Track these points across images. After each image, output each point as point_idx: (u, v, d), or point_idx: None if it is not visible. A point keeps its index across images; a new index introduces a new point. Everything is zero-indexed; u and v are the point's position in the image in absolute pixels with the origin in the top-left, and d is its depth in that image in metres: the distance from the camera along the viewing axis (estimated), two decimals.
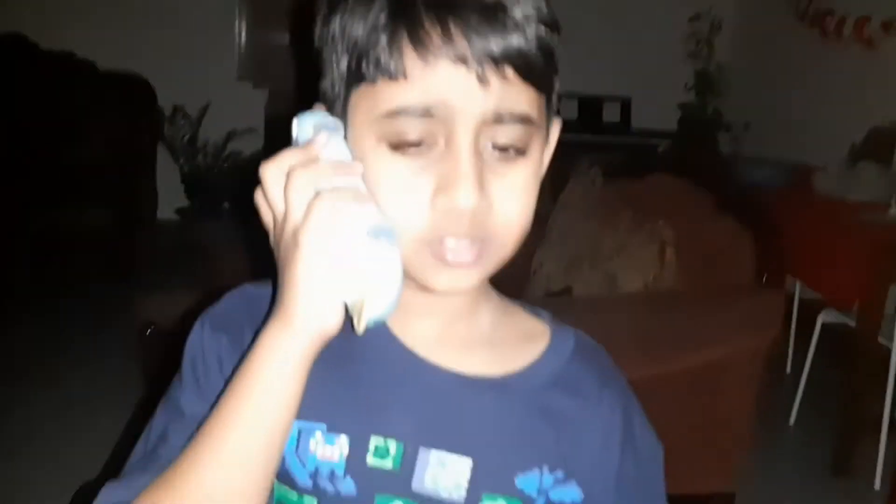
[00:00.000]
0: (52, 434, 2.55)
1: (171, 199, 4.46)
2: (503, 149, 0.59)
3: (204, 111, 4.58)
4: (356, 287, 0.56)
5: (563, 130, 0.67)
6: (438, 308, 0.67)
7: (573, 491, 0.67)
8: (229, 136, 4.60)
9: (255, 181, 0.59)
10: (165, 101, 4.34)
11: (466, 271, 0.60)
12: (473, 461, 0.64)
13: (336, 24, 0.60)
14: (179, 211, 4.57)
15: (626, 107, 4.66)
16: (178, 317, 2.46)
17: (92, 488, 0.61)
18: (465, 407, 0.66)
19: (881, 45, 3.46)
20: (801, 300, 3.17)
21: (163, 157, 4.46)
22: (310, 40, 0.65)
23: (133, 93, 4.16)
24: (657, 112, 4.60)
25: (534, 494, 0.65)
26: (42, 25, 4.09)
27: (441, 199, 0.58)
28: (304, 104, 0.65)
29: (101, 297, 3.54)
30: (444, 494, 0.64)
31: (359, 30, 0.58)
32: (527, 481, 0.65)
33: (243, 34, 4.73)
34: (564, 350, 0.70)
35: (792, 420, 2.85)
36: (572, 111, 4.50)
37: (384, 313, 0.57)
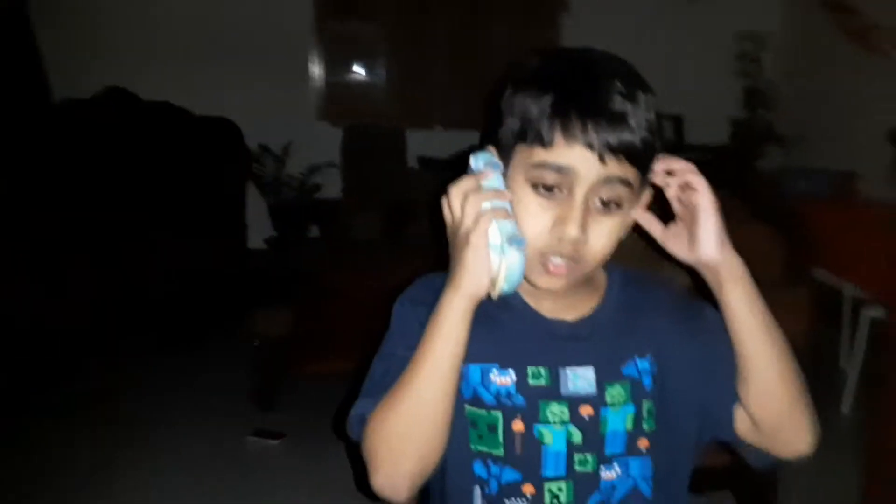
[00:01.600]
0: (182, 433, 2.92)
1: (259, 229, 4.87)
2: (606, 203, 0.90)
3: (286, 149, 4.99)
4: (496, 271, 0.87)
5: None
6: (552, 291, 0.98)
7: (657, 365, 0.99)
8: (311, 171, 5.01)
9: (442, 193, 0.89)
10: (251, 142, 4.75)
11: (559, 279, 0.92)
12: (595, 367, 0.97)
13: (518, 99, 0.91)
14: (268, 240, 4.97)
15: (678, 124, 4.87)
16: (280, 331, 2.81)
17: (344, 406, 0.95)
18: (578, 338, 0.98)
19: None
20: (852, 298, 3.35)
21: (251, 192, 4.89)
22: (495, 107, 0.96)
23: (222, 135, 4.59)
24: (709, 128, 4.83)
25: (636, 376, 0.98)
26: (141, 80, 4.56)
27: (556, 229, 0.89)
28: (481, 145, 0.97)
29: (202, 315, 3.94)
30: (581, 392, 0.96)
31: (532, 110, 0.89)
32: (628, 369, 0.98)
33: (320, 78, 5.18)
34: (616, 283, 1.03)
35: (846, 409, 3.05)
36: None
37: (509, 289, 0.88)
